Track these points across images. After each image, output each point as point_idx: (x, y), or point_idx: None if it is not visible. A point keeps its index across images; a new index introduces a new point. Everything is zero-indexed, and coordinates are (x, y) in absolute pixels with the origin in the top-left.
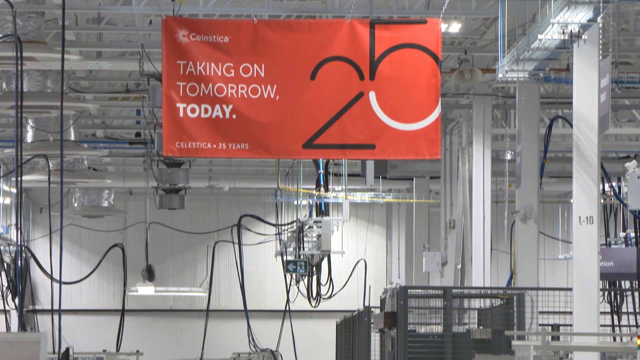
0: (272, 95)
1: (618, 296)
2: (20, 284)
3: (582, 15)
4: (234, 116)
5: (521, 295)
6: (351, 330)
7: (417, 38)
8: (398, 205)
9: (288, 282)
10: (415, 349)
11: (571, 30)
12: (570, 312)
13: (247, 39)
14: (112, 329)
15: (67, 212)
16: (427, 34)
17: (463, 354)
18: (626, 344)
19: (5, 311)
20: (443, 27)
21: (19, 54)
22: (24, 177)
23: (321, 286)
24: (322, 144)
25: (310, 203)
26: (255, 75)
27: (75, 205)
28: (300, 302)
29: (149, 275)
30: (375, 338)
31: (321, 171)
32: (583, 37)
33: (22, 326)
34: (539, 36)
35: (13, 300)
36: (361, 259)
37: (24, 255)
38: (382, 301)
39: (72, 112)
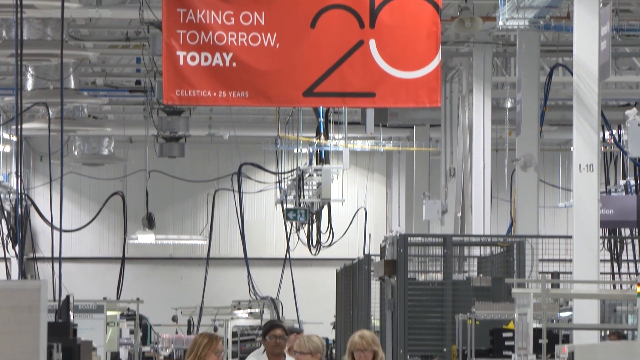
0: (272, 44)
1: (618, 244)
2: (21, 231)
3: None
4: (234, 64)
5: (521, 243)
6: (351, 278)
7: None
8: (398, 154)
9: (288, 230)
10: (415, 297)
11: None
12: (570, 260)
13: None
14: (112, 276)
15: (67, 160)
16: None
17: (463, 301)
18: (626, 292)
19: (5, 259)
20: None
21: (18, 2)
22: (24, 125)
23: (321, 234)
24: (322, 92)
25: (311, 151)
26: (255, 23)
27: (76, 153)
28: (300, 250)
29: (149, 223)
30: (375, 286)
31: (321, 119)
32: None
33: (23, 274)
34: None
35: (13, 248)
36: (361, 207)
37: (24, 203)
38: (382, 249)
39: (72, 60)
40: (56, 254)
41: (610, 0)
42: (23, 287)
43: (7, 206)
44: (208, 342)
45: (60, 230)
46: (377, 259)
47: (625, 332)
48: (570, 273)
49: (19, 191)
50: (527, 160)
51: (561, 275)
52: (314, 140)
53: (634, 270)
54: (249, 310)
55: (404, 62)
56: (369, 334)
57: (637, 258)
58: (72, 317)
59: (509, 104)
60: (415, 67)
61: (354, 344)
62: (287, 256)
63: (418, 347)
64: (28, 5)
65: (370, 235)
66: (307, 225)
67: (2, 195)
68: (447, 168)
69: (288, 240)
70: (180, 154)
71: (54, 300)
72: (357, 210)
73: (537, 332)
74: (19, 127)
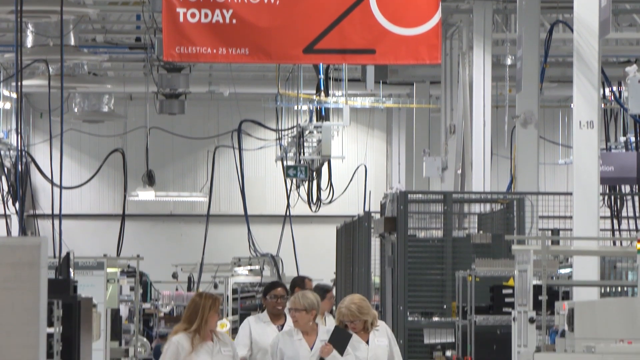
0: (272, 0)
1: (618, 200)
2: (21, 188)
3: None
4: (234, 21)
5: (521, 199)
6: (351, 235)
7: None
8: (398, 111)
9: (288, 187)
10: (415, 254)
11: None
12: (570, 217)
13: None
14: (112, 233)
15: (67, 117)
16: None
17: (463, 258)
18: (626, 248)
19: (5, 216)
20: None
21: None
22: (24, 82)
23: (321, 191)
24: (323, 48)
25: (311, 108)
26: None
27: (75, 110)
28: (300, 207)
29: (149, 180)
30: (375, 243)
31: (321, 76)
32: None
33: (23, 230)
34: None
35: (14, 204)
36: (361, 164)
37: (24, 160)
38: (382, 206)
39: (72, 16)
40: (56, 211)
41: None
42: (23, 244)
43: (7, 163)
44: (212, 303)
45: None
46: (377, 216)
47: (625, 288)
48: (570, 230)
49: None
50: (527, 117)
51: (561, 232)
52: (314, 97)
53: (634, 227)
54: (249, 267)
55: (404, 19)
56: (355, 303)
57: (637, 215)
58: (72, 274)
59: (509, 61)
60: (415, 24)
61: (342, 315)
62: (287, 213)
63: (418, 304)
64: None
65: (370, 192)
66: (307, 182)
67: (2, 152)
68: (447, 125)
69: (288, 197)
70: (180, 111)
71: (54, 257)
72: (357, 167)
73: (537, 289)
74: (19, 84)
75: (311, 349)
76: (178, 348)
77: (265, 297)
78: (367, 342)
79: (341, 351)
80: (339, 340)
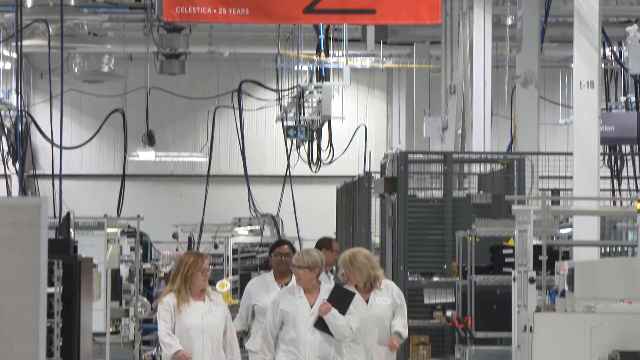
0: None
1: (618, 160)
2: (21, 148)
3: None
4: None
5: (521, 160)
6: (351, 195)
7: None
8: (398, 71)
9: (288, 148)
10: (415, 214)
11: None
12: (571, 177)
13: None
14: (112, 194)
15: (67, 78)
16: None
17: (463, 218)
18: (626, 208)
19: (6, 176)
20: None
21: None
22: (24, 42)
23: (321, 151)
24: (323, 9)
25: (311, 68)
26: None
27: (76, 70)
28: (300, 168)
29: (150, 140)
30: (375, 203)
31: (322, 36)
32: None
33: (23, 191)
34: None
35: (14, 165)
36: (361, 125)
37: (24, 120)
38: (383, 166)
39: None
40: (56, 171)
41: None
42: (23, 204)
43: (7, 123)
44: (194, 261)
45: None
46: (378, 176)
47: (625, 248)
48: (571, 190)
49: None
50: (527, 77)
51: (561, 192)
52: (314, 57)
53: (634, 187)
54: (249, 228)
55: None
56: (353, 253)
57: (638, 175)
58: (72, 234)
59: (509, 21)
60: None
61: (340, 262)
62: (288, 173)
63: (418, 264)
64: None
65: (370, 152)
66: (307, 142)
67: (2, 113)
68: (447, 85)
69: (288, 157)
70: (180, 71)
71: (55, 217)
72: (358, 128)
73: (537, 249)
74: (19, 44)
75: (311, 307)
76: (169, 307)
77: (270, 255)
78: (367, 302)
79: (342, 310)
80: (340, 299)
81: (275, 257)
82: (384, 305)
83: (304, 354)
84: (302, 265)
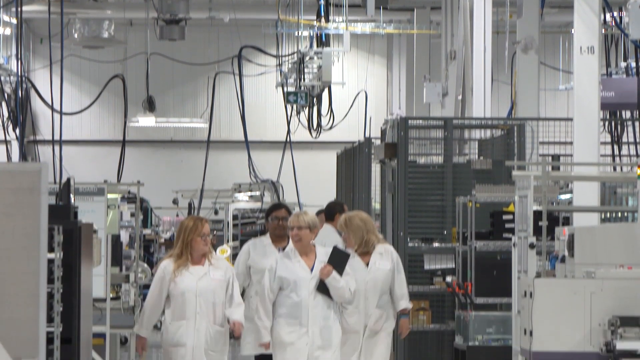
0: None
1: (618, 126)
2: (21, 114)
3: None
4: None
5: (521, 125)
6: (352, 161)
7: None
8: (399, 36)
9: (288, 114)
10: (415, 180)
11: None
12: (571, 143)
13: None
14: (113, 159)
15: (68, 43)
16: None
17: (463, 184)
18: (626, 174)
19: (6, 141)
20: None
21: None
22: (24, 8)
23: (322, 117)
24: None
25: (311, 34)
26: None
27: (76, 36)
28: (300, 134)
29: (150, 106)
30: (375, 169)
31: (322, 2)
32: None
33: (23, 156)
34: None
35: (14, 130)
36: (362, 90)
37: (24, 85)
38: (383, 132)
39: None
40: (56, 137)
41: None
42: (24, 170)
43: (8, 89)
44: (193, 225)
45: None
46: (378, 142)
47: (626, 214)
48: (571, 155)
49: (19, 74)
50: (527, 43)
51: (561, 158)
52: (315, 23)
53: (634, 153)
54: (249, 193)
55: None
56: (349, 216)
57: (638, 140)
58: (72, 200)
59: None
60: None
61: (338, 224)
62: (288, 139)
63: (418, 229)
64: None
65: (370, 118)
66: (307, 108)
67: (2, 78)
68: (447, 51)
69: (288, 123)
70: (180, 36)
71: (55, 182)
72: (358, 94)
73: (537, 215)
74: (19, 9)
75: (311, 270)
76: (163, 272)
77: (267, 219)
78: (367, 265)
79: (340, 271)
80: (338, 260)
81: (272, 221)
82: (384, 270)
83: (306, 318)
84: (303, 225)
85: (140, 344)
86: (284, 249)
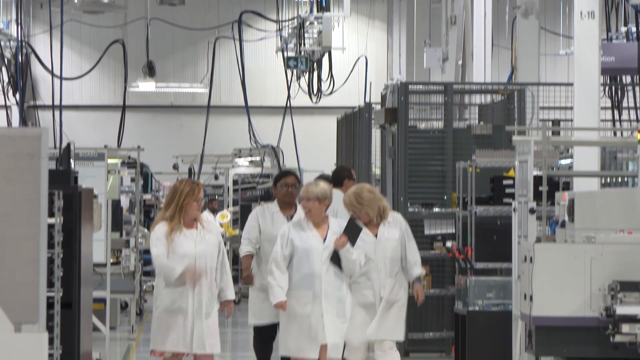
0: None
1: (619, 91)
2: (21, 79)
3: None
4: None
5: (522, 90)
6: (352, 126)
7: None
8: (399, 1)
9: (289, 79)
10: (415, 145)
11: None
12: (571, 108)
13: None
14: (113, 124)
15: (67, 8)
16: None
17: (463, 149)
18: (626, 139)
19: (6, 106)
20: None
21: None
22: None
23: (322, 82)
24: None
25: None
26: None
27: (76, 0)
28: (301, 99)
29: (150, 71)
30: (375, 134)
31: None
32: None
33: (23, 121)
34: None
35: (14, 95)
36: (362, 55)
37: (24, 50)
38: (383, 97)
39: None
40: (57, 102)
41: None
42: (24, 135)
43: (8, 54)
44: (190, 190)
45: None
46: (378, 107)
47: (626, 179)
48: (571, 120)
49: (19, 39)
50: (528, 8)
51: (562, 123)
52: None
53: (635, 118)
54: (249, 159)
55: None
56: (356, 193)
57: (638, 105)
58: (73, 165)
59: None
60: None
61: (344, 204)
62: (288, 104)
63: (418, 194)
64: None
65: (370, 83)
66: (307, 73)
67: (2, 43)
68: (448, 16)
69: (289, 88)
70: (180, 1)
71: (55, 147)
72: (358, 59)
73: (537, 180)
74: None
75: (323, 241)
76: (161, 236)
77: (275, 186)
78: (376, 236)
79: (353, 243)
80: (352, 232)
81: (280, 188)
82: (393, 239)
83: (319, 289)
84: (312, 197)
85: (192, 271)
86: (291, 217)
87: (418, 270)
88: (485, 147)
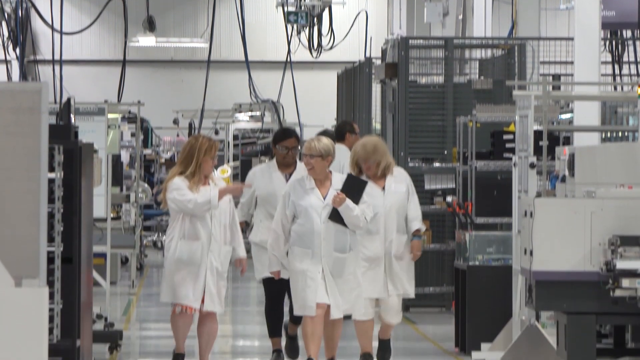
0: None
1: (619, 45)
2: (21, 34)
3: None
4: None
5: (522, 45)
6: (352, 81)
7: None
8: None
9: (289, 33)
10: (416, 99)
11: None
12: (572, 62)
13: None
14: (113, 79)
15: None
16: None
17: (464, 104)
18: (627, 93)
19: (6, 61)
20: None
21: None
22: None
23: (322, 37)
24: None
25: None
26: None
27: None
28: (301, 54)
29: (150, 26)
30: (376, 89)
31: None
32: None
33: (24, 76)
34: None
35: (14, 50)
36: (362, 10)
37: (24, 5)
38: (383, 52)
39: None
40: (57, 56)
41: None
42: (24, 89)
43: (8, 8)
44: (209, 146)
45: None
46: (378, 62)
47: (626, 133)
48: (571, 75)
49: None
50: None
51: (562, 78)
52: None
53: (635, 72)
54: (250, 113)
55: None
56: (372, 142)
57: (638, 60)
58: (73, 120)
59: None
60: None
61: (356, 154)
62: (288, 59)
63: (419, 149)
64: None
65: (371, 38)
66: (307, 28)
67: None
68: None
69: (289, 43)
70: None
71: (55, 102)
72: (358, 13)
73: (538, 134)
74: None
75: (324, 198)
76: (184, 187)
77: (275, 147)
78: (384, 189)
79: (356, 200)
80: (353, 188)
81: (280, 150)
82: (400, 192)
83: (319, 247)
84: (315, 153)
85: (235, 186)
86: (290, 174)
87: (417, 224)
88: (486, 101)
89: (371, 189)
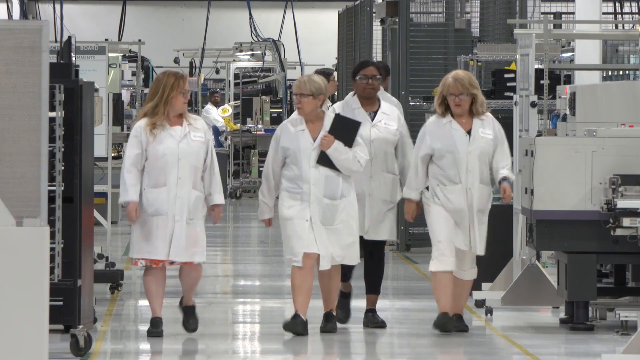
0: None
1: None
2: None
3: None
4: None
5: None
6: (353, 20)
7: None
8: None
9: None
10: (417, 39)
11: None
12: (573, 0)
13: None
14: (113, 18)
15: None
16: None
17: (465, 42)
18: (628, 31)
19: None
20: None
21: None
22: None
23: None
24: None
25: None
26: None
27: None
28: None
29: None
30: (377, 28)
31: None
32: None
33: (24, 14)
34: None
35: None
36: None
37: None
38: None
39: None
40: None
41: None
42: (24, 27)
43: None
44: (175, 82)
45: None
46: (379, 0)
47: (627, 72)
48: (573, 13)
49: None
50: None
51: (563, 16)
52: None
53: (636, 10)
54: (250, 52)
55: None
56: (466, 75)
57: None
58: (74, 58)
59: None
60: None
61: (447, 87)
62: None
63: (419, 89)
64: None
65: None
66: None
67: None
68: None
69: None
70: None
71: (56, 41)
72: None
73: (539, 73)
74: None
75: (314, 140)
76: (139, 134)
77: (354, 79)
78: (469, 132)
79: (348, 142)
80: (343, 130)
81: (360, 81)
82: (488, 138)
83: (308, 193)
84: (305, 92)
85: (133, 208)
86: (375, 113)
87: (506, 172)
88: (487, 40)
89: (454, 130)
